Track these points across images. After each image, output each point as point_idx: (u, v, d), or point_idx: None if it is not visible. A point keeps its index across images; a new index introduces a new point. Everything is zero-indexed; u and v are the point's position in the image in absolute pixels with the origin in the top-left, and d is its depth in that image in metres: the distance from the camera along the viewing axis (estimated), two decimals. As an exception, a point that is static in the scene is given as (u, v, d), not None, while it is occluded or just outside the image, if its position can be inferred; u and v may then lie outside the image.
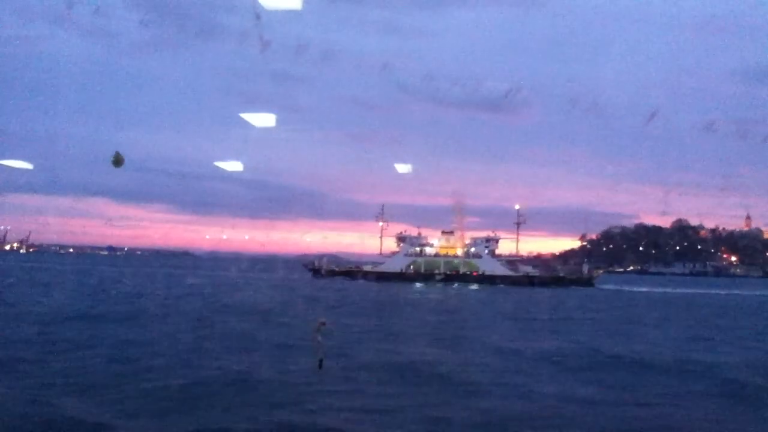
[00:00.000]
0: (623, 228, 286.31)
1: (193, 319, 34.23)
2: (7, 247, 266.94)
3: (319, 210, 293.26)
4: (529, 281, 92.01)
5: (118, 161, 12.91)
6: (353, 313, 41.37)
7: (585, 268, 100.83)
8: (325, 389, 17.86)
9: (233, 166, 14.80)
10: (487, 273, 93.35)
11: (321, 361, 19.13)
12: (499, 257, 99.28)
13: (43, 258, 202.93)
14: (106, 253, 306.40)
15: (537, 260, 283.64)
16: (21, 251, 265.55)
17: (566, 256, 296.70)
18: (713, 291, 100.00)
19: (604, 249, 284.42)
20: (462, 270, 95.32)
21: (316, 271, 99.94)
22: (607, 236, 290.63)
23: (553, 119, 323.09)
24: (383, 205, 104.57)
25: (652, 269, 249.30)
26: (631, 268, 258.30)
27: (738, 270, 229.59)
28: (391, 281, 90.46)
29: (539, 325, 39.26)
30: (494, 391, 18.28)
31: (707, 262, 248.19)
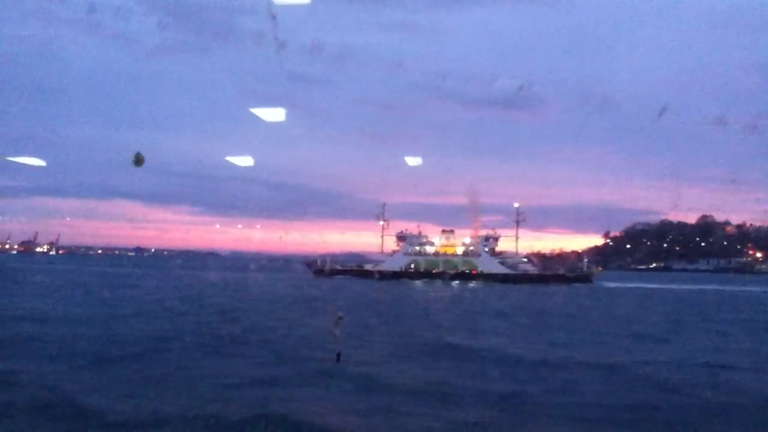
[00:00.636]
0: (647, 225, 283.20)
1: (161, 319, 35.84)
2: (38, 250, 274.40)
3: (338, 209, 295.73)
4: (527, 279, 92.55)
5: (138, 161, 13.03)
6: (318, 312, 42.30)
7: (584, 266, 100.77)
8: (220, 382, 18.91)
9: (244, 161, 15.04)
10: (485, 271, 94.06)
11: (338, 354, 20.07)
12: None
13: (70, 259, 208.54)
14: (133, 254, 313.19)
15: (558, 258, 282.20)
16: (50, 253, 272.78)
17: (589, 254, 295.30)
18: (725, 288, 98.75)
19: (628, 246, 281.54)
20: (461, 268, 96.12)
21: (317, 270, 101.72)
22: (630, 233, 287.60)
23: (569, 116, 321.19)
24: (384, 204, 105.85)
25: (676, 266, 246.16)
26: (654, 265, 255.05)
27: (763, 266, 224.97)
28: (392, 280, 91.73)
29: (505, 323, 39.73)
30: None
31: (732, 259, 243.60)
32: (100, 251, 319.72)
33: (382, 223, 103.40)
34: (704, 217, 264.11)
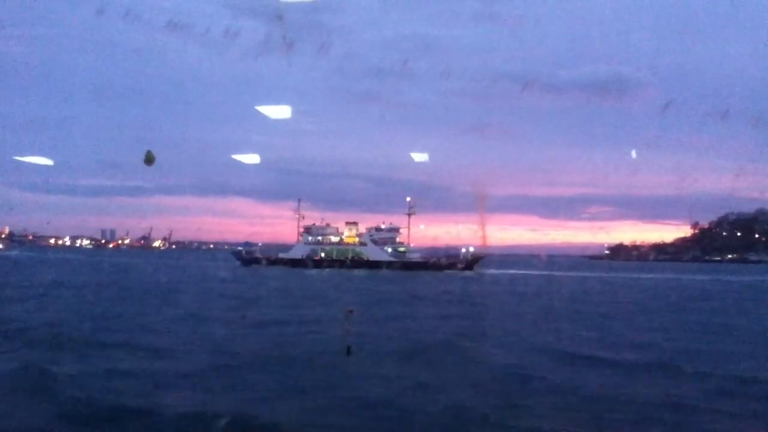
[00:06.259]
0: (740, 214, 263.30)
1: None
2: (155, 245, 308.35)
3: (439, 202, 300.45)
4: (405, 266, 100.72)
5: (149, 160, 12.85)
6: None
7: (462, 254, 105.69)
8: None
9: (251, 158, 15.51)
10: (370, 259, 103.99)
11: (349, 348, 20.23)
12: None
13: (176, 254, 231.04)
14: (241, 248, 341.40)
15: (636, 249, 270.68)
16: (162, 248, 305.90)
17: (672, 245, 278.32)
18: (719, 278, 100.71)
19: (714, 237, 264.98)
20: (350, 256, 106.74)
21: (243, 260, 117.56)
22: (720, 223, 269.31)
23: (670, 101, 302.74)
24: (299, 199, 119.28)
25: (754, 257, 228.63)
26: (730, 256, 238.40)
27: None
28: (296, 268, 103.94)
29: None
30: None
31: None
32: (211, 246, 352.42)
33: (297, 216, 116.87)
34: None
